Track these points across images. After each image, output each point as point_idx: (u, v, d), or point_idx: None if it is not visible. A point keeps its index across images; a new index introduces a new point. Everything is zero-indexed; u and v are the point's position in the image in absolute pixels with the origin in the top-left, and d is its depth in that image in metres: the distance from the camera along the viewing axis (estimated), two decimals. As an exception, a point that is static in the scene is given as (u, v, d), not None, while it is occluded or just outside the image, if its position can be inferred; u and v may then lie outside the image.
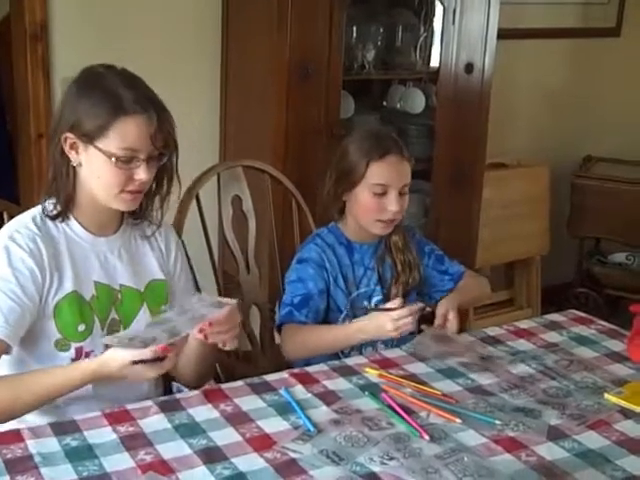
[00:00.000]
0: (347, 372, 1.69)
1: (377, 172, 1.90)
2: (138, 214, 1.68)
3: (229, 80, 3.03)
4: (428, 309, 1.84)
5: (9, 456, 1.31)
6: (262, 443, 1.39)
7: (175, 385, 1.80)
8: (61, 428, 1.40)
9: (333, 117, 2.83)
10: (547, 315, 2.07)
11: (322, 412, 1.51)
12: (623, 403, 1.59)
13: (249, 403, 1.54)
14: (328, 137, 2.81)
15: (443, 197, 3.19)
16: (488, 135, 3.23)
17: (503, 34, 3.18)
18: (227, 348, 1.55)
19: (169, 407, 1.50)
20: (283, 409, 1.51)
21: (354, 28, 3.00)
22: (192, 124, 2.94)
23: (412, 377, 1.68)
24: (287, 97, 2.73)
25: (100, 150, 1.52)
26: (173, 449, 1.36)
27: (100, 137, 1.51)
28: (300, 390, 1.60)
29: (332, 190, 1.98)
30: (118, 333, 1.54)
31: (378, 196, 1.91)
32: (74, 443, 1.36)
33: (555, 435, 1.46)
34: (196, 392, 1.58)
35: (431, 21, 3.19)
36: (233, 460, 1.34)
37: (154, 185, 1.63)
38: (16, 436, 1.37)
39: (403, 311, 1.74)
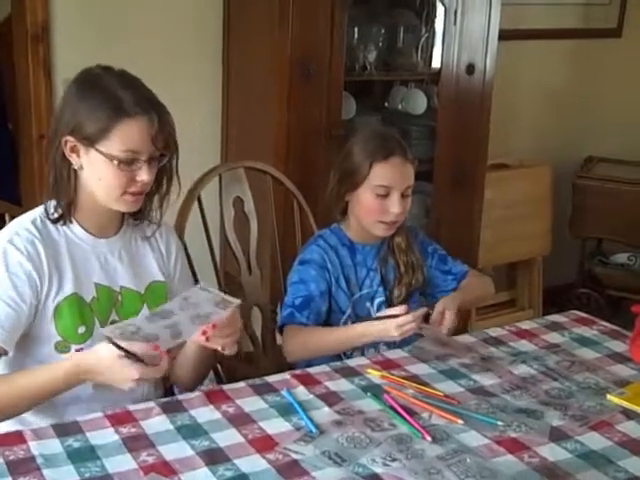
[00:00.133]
0: (349, 373, 1.69)
1: (380, 173, 1.90)
2: (138, 214, 1.68)
3: (230, 81, 3.03)
4: (431, 312, 1.84)
5: (11, 457, 1.31)
6: (264, 444, 1.39)
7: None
8: (63, 429, 1.40)
9: (334, 118, 2.83)
10: (549, 316, 2.06)
11: (324, 413, 1.51)
12: (625, 404, 1.59)
13: (251, 404, 1.53)
14: (329, 138, 2.81)
15: (445, 198, 3.19)
16: (490, 136, 3.23)
17: (504, 35, 3.18)
18: (226, 353, 1.54)
19: (171, 408, 1.50)
20: (285, 410, 1.51)
21: (355, 29, 3.00)
22: (193, 125, 2.94)
23: (414, 378, 1.67)
24: (288, 98, 2.73)
25: (102, 153, 1.52)
26: (175, 450, 1.36)
27: (101, 140, 1.51)
28: (302, 391, 1.59)
29: (335, 190, 1.98)
30: (119, 323, 1.52)
31: (380, 197, 1.91)
32: (76, 444, 1.36)
33: (557, 436, 1.46)
34: (198, 393, 1.58)
35: (432, 22, 3.19)
36: (235, 461, 1.34)
37: (154, 185, 1.63)
38: (18, 437, 1.37)
39: (408, 317, 1.74)
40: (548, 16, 3.76)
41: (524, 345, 1.87)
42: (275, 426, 1.45)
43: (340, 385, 1.63)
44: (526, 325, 1.99)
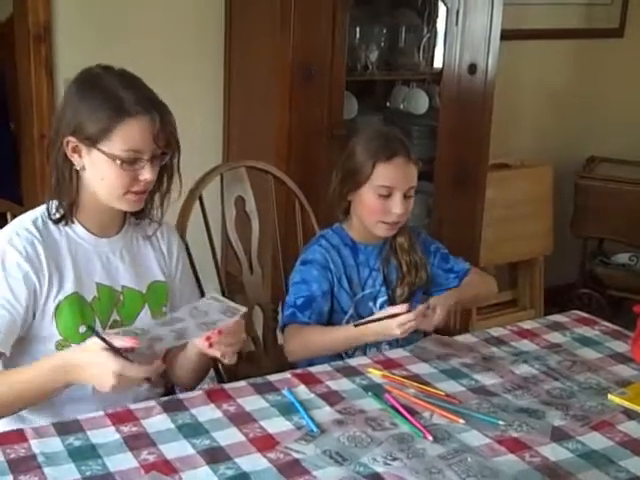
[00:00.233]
0: (350, 372, 1.69)
1: (383, 174, 1.90)
2: (140, 213, 1.68)
3: (232, 81, 3.03)
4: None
5: (12, 456, 1.31)
6: (265, 443, 1.39)
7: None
8: (64, 428, 1.40)
9: (336, 118, 2.83)
10: (550, 316, 2.06)
11: (325, 412, 1.51)
12: (627, 404, 1.59)
13: (252, 403, 1.53)
14: (331, 138, 2.81)
15: (446, 197, 3.19)
16: (491, 135, 3.23)
17: (506, 35, 3.18)
18: (225, 362, 1.55)
19: (172, 407, 1.50)
20: (286, 409, 1.51)
21: (357, 29, 3.00)
22: (195, 125, 2.94)
23: (415, 378, 1.67)
24: (290, 98, 2.73)
25: (104, 153, 1.52)
26: (176, 449, 1.36)
27: (103, 140, 1.51)
28: (303, 390, 1.59)
29: (337, 190, 1.98)
30: (125, 327, 1.52)
31: (383, 198, 1.91)
32: (77, 443, 1.36)
33: (559, 436, 1.46)
34: (199, 392, 1.58)
35: (434, 22, 3.20)
36: (236, 460, 1.34)
37: (155, 183, 1.62)
38: (19, 436, 1.37)
39: (409, 315, 1.74)
40: (550, 16, 3.76)
41: (526, 345, 1.86)
42: (276, 425, 1.45)
43: (341, 384, 1.63)
44: (528, 325, 1.99)
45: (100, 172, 1.55)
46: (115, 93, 1.51)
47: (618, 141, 4.06)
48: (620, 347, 1.87)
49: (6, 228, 1.61)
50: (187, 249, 1.89)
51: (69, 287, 1.58)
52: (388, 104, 3.33)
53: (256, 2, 2.89)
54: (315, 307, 1.92)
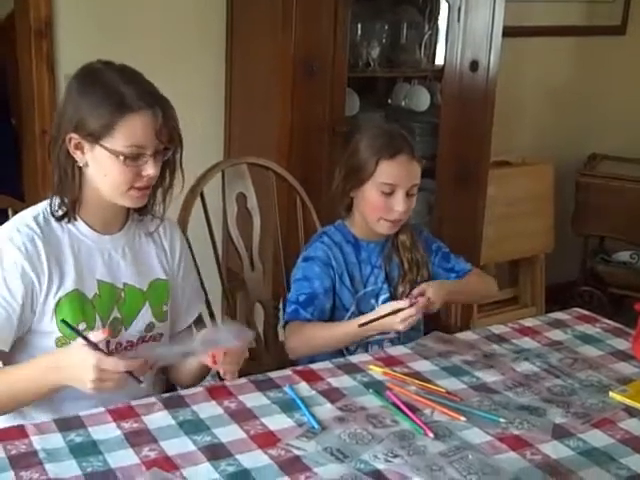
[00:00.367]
0: (351, 369, 1.69)
1: (386, 171, 1.90)
2: (143, 209, 1.67)
3: (234, 78, 3.03)
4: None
5: (13, 452, 1.32)
6: (266, 440, 1.39)
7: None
8: (65, 424, 1.40)
9: (338, 115, 2.83)
10: (552, 313, 2.06)
11: (326, 409, 1.51)
12: (628, 401, 1.59)
13: (253, 400, 1.53)
14: (332, 135, 2.81)
15: (447, 195, 3.19)
16: (492, 133, 3.22)
17: (508, 32, 3.18)
18: (227, 378, 1.56)
19: (173, 404, 1.50)
20: (287, 406, 1.51)
21: (359, 25, 3.00)
22: (197, 122, 2.94)
23: (416, 375, 1.67)
24: (292, 95, 2.73)
25: (106, 149, 1.51)
26: (177, 445, 1.36)
27: (106, 136, 1.50)
28: (304, 387, 1.59)
29: (340, 186, 1.97)
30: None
31: (385, 195, 1.90)
32: (78, 439, 1.36)
33: (560, 433, 1.46)
34: (200, 389, 1.58)
35: (436, 19, 3.19)
36: (237, 457, 1.34)
37: (157, 179, 1.61)
38: (20, 432, 1.37)
39: (411, 310, 1.75)
40: (552, 13, 3.75)
41: (527, 342, 1.86)
42: (277, 422, 1.45)
43: (342, 381, 1.63)
44: (529, 322, 1.98)
45: (103, 168, 1.54)
46: (116, 88, 1.50)
47: (619, 139, 4.06)
48: (621, 345, 1.87)
49: (7, 224, 1.61)
50: (188, 245, 1.89)
51: (70, 284, 1.58)
52: (390, 101, 3.33)
53: (258, 0, 2.88)
54: (317, 304, 1.92)
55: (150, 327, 1.68)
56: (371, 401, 1.55)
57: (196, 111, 2.96)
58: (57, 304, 1.56)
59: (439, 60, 3.16)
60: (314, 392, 1.58)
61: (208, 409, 1.49)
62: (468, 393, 1.61)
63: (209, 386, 1.60)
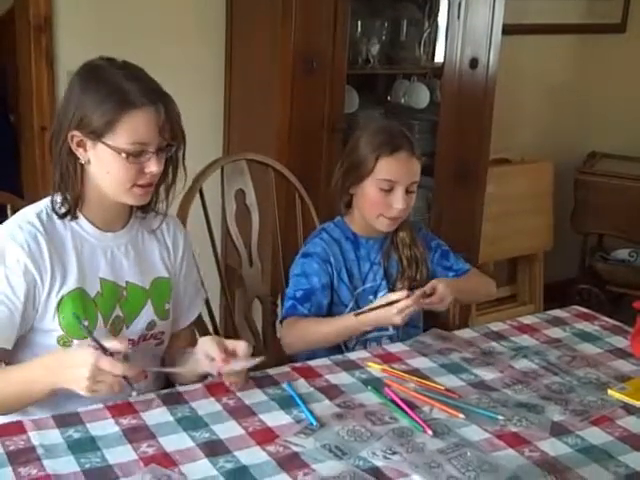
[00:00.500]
0: (350, 366, 1.69)
1: (386, 167, 1.90)
2: (146, 207, 1.66)
3: (233, 74, 3.03)
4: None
5: (11, 447, 1.31)
6: (265, 437, 1.39)
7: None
8: (63, 420, 1.40)
9: (337, 111, 2.83)
10: (550, 311, 2.06)
11: (325, 406, 1.51)
12: (626, 399, 1.59)
13: (252, 397, 1.53)
14: (331, 131, 2.81)
15: (446, 192, 3.19)
16: (492, 131, 3.22)
17: (508, 29, 3.18)
18: (232, 388, 1.56)
19: (172, 400, 1.50)
20: (286, 403, 1.51)
21: (359, 22, 3.00)
22: (196, 118, 2.92)
23: (415, 372, 1.67)
24: (291, 91, 2.73)
25: (109, 146, 1.50)
26: (175, 442, 1.36)
27: (108, 133, 1.49)
28: (303, 384, 1.59)
29: (340, 183, 1.97)
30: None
31: (384, 192, 1.90)
32: (76, 435, 1.36)
33: (558, 431, 1.46)
34: (199, 385, 1.58)
35: (436, 16, 3.19)
36: (236, 453, 1.34)
37: (160, 176, 1.60)
38: (18, 428, 1.37)
39: (408, 301, 1.75)
40: (552, 11, 3.75)
41: (525, 340, 1.86)
42: (276, 419, 1.45)
43: (341, 378, 1.63)
44: (528, 320, 1.99)
45: (105, 166, 1.53)
46: (119, 85, 1.49)
47: (619, 137, 4.06)
48: (620, 342, 1.87)
49: (9, 221, 1.60)
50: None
51: (72, 282, 1.57)
52: (389, 98, 3.33)
53: (257, -5, 2.89)
54: (314, 300, 1.92)
55: (151, 325, 1.67)
56: (369, 398, 1.55)
57: (195, 108, 2.95)
58: (59, 302, 1.55)
59: (439, 57, 3.16)
60: (312, 389, 1.58)
61: (206, 405, 1.49)
62: (466, 390, 1.60)
63: (207, 383, 1.59)
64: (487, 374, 1.68)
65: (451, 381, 1.64)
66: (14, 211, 1.86)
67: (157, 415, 1.44)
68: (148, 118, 1.49)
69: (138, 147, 1.50)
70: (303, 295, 1.92)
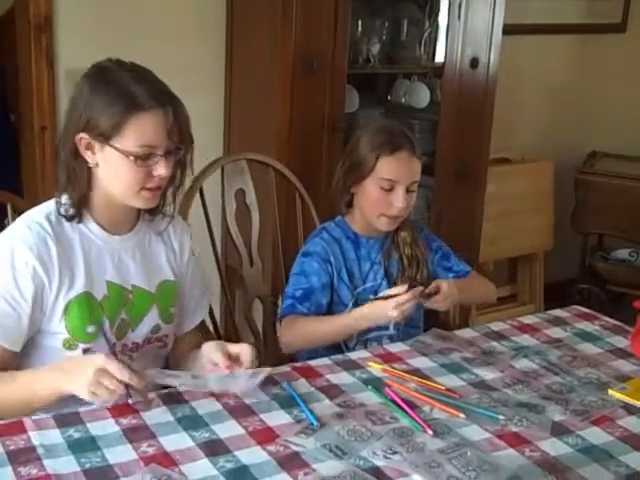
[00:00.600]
0: (350, 366, 1.69)
1: (386, 167, 1.90)
2: (154, 209, 1.64)
3: (233, 74, 3.03)
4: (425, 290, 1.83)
5: (12, 447, 1.31)
6: (265, 436, 1.39)
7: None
8: (64, 420, 1.40)
9: (337, 111, 2.83)
10: (551, 311, 2.06)
11: (325, 406, 1.51)
12: (627, 399, 1.59)
13: (252, 396, 1.53)
14: (332, 131, 2.81)
15: (447, 192, 3.19)
16: (492, 130, 3.22)
17: (508, 29, 3.18)
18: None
19: (172, 400, 1.50)
20: (286, 403, 1.51)
21: (359, 22, 3.00)
22: (196, 118, 2.90)
23: (415, 372, 1.67)
24: (291, 91, 2.73)
25: (117, 149, 1.49)
26: (176, 441, 1.36)
27: (116, 136, 1.48)
28: (303, 384, 1.59)
29: (341, 182, 1.97)
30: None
31: (385, 191, 1.90)
32: (77, 435, 1.36)
33: (559, 431, 1.46)
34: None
35: (436, 15, 3.19)
36: (236, 453, 1.34)
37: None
38: (19, 427, 1.37)
39: (407, 296, 1.75)
40: (552, 11, 3.75)
41: (526, 339, 1.86)
42: (276, 418, 1.45)
43: (341, 378, 1.63)
44: (528, 320, 1.99)
45: (113, 169, 1.52)
46: (127, 88, 1.48)
47: (619, 136, 4.06)
48: (620, 342, 1.87)
49: (18, 222, 1.58)
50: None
51: (80, 286, 1.56)
52: (389, 98, 3.33)
53: (257, -5, 2.89)
54: (314, 299, 1.92)
55: (156, 329, 1.67)
56: (370, 398, 1.55)
57: (195, 107, 2.92)
58: (66, 306, 1.55)
59: (439, 57, 3.16)
60: (313, 388, 1.57)
61: (207, 405, 1.49)
62: (467, 390, 1.60)
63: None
64: (488, 374, 1.68)
65: (451, 381, 1.64)
66: (14, 210, 1.87)
67: (157, 415, 1.44)
68: (156, 121, 1.48)
69: (146, 150, 1.49)
70: (302, 294, 1.92)
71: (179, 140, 1.53)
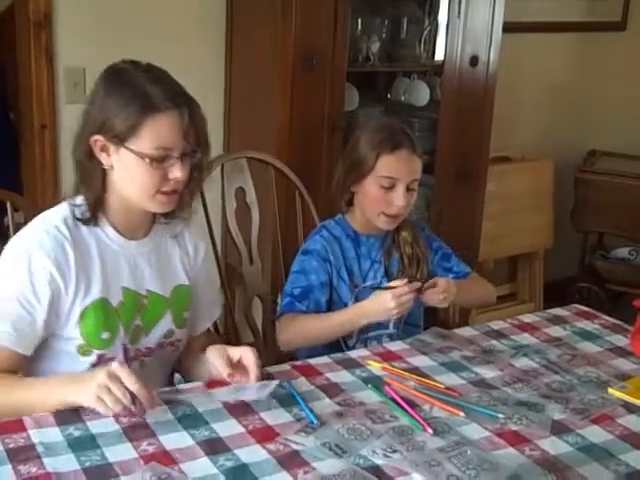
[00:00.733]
0: (350, 365, 1.69)
1: (386, 165, 1.89)
2: (170, 213, 1.62)
3: (233, 72, 3.02)
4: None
5: (11, 445, 1.31)
6: (265, 435, 1.39)
7: (177, 376, 1.79)
8: (64, 418, 1.40)
9: (337, 109, 2.82)
10: (551, 309, 2.06)
11: (325, 404, 1.51)
12: (627, 398, 1.59)
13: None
14: (331, 129, 2.80)
15: (447, 190, 3.18)
16: (492, 129, 3.22)
17: (508, 27, 3.18)
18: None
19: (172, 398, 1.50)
20: (286, 401, 1.51)
21: (359, 20, 3.00)
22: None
23: (415, 370, 1.67)
24: (291, 89, 2.73)
25: (132, 151, 1.47)
26: (175, 440, 1.36)
27: (131, 137, 1.46)
28: (303, 382, 1.59)
29: (342, 180, 1.97)
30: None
31: (385, 189, 1.90)
32: (77, 433, 1.36)
33: (558, 429, 1.46)
34: (199, 383, 1.58)
35: (436, 13, 3.19)
36: (236, 451, 1.33)
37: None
38: (19, 425, 1.37)
39: (405, 288, 1.75)
40: (552, 9, 3.75)
41: (526, 338, 1.86)
42: (276, 417, 1.45)
43: (341, 376, 1.63)
44: (528, 318, 1.99)
45: (129, 171, 1.50)
46: (143, 88, 1.46)
47: (619, 135, 4.06)
48: (620, 341, 1.87)
49: (35, 225, 1.55)
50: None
51: (96, 292, 1.54)
52: (389, 96, 3.33)
53: (257, -7, 2.88)
54: (312, 298, 1.92)
55: (169, 334, 1.66)
56: (370, 396, 1.55)
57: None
58: (82, 312, 1.54)
59: (439, 55, 3.16)
60: (313, 387, 1.57)
61: (206, 404, 1.48)
62: (467, 389, 1.60)
63: (207, 381, 1.59)
64: (487, 372, 1.68)
65: (451, 379, 1.64)
66: (14, 209, 1.86)
67: (157, 413, 1.44)
68: (172, 122, 1.47)
69: (162, 152, 1.47)
70: (301, 292, 1.92)
71: (195, 142, 1.51)
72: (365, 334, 1.95)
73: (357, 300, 1.95)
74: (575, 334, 1.90)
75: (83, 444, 1.33)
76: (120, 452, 1.31)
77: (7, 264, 1.53)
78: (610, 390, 1.62)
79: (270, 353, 2.13)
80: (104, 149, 1.50)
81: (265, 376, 1.58)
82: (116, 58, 1.61)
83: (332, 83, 2.79)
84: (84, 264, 1.54)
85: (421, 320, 2.05)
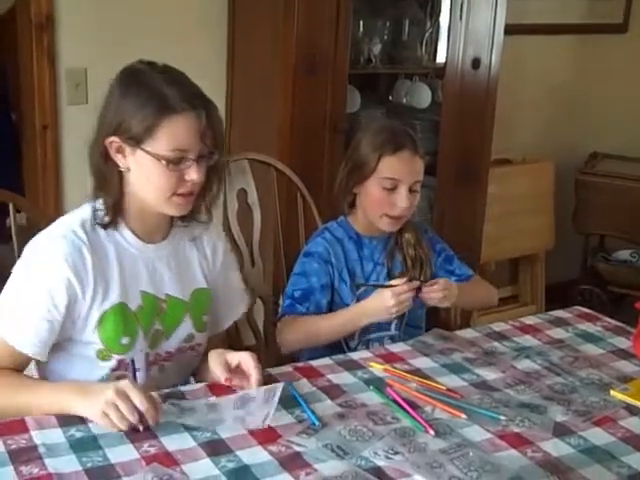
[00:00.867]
0: (352, 366, 1.69)
1: (389, 166, 1.89)
2: (187, 217, 1.61)
3: (235, 74, 3.02)
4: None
5: (13, 446, 1.31)
6: (266, 436, 1.39)
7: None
8: (66, 419, 1.40)
9: (339, 111, 2.82)
10: (553, 311, 2.06)
11: (327, 406, 1.51)
12: (629, 400, 1.59)
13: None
14: (333, 131, 2.80)
15: (448, 192, 3.18)
16: (493, 131, 3.22)
17: (509, 29, 3.18)
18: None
19: (173, 399, 1.50)
20: (288, 403, 1.50)
21: (360, 22, 3.00)
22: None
23: (417, 372, 1.67)
24: (293, 91, 2.73)
25: (148, 153, 1.46)
26: (177, 441, 1.36)
27: (148, 139, 1.45)
28: (305, 384, 1.59)
29: (344, 182, 1.97)
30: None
31: (388, 191, 1.90)
32: (78, 434, 1.36)
33: (561, 431, 1.46)
34: (201, 385, 1.58)
35: (438, 15, 3.19)
36: (237, 453, 1.33)
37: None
38: (21, 426, 1.37)
39: (404, 287, 1.76)
40: (553, 11, 3.74)
41: (528, 340, 1.86)
42: (277, 418, 1.44)
43: (343, 378, 1.63)
44: (530, 320, 1.98)
45: (145, 173, 1.49)
46: (159, 90, 1.45)
47: (620, 137, 4.06)
48: (622, 343, 1.87)
49: (53, 229, 1.55)
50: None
51: (115, 297, 1.54)
52: (391, 98, 3.33)
53: (259, -6, 2.89)
54: (313, 300, 1.92)
55: (190, 338, 1.66)
56: (371, 398, 1.55)
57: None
58: (101, 317, 1.53)
59: (441, 57, 3.16)
60: (314, 388, 1.57)
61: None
62: (468, 390, 1.60)
63: (209, 382, 1.59)
64: (489, 374, 1.67)
65: (453, 381, 1.64)
66: (17, 209, 1.86)
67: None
68: (188, 124, 1.46)
69: (178, 154, 1.47)
70: (301, 294, 1.92)
71: (212, 144, 1.50)
72: (367, 336, 1.94)
73: (359, 301, 1.95)
74: (577, 336, 1.90)
75: (85, 445, 1.33)
76: (122, 453, 1.31)
77: (25, 269, 1.52)
78: (612, 392, 1.62)
79: (271, 355, 2.13)
80: (120, 150, 1.49)
81: (266, 378, 1.57)
82: (117, 59, 1.61)
83: (334, 84, 2.79)
84: (102, 268, 1.53)
85: (423, 322, 2.05)
